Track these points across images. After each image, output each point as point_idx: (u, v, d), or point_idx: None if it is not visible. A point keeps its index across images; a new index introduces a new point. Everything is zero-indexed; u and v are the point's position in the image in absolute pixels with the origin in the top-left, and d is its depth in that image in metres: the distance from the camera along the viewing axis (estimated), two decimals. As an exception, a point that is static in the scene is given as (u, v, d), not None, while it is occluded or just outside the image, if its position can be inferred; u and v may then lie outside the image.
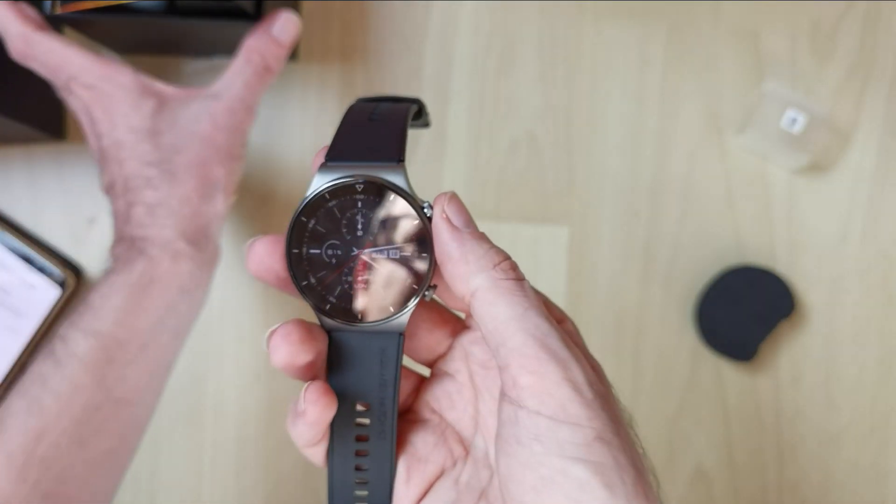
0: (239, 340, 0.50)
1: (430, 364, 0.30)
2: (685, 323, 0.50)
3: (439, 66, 0.49)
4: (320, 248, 0.26)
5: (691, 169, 0.50)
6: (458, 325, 0.29)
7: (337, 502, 0.27)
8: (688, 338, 0.50)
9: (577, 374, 0.23)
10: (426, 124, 0.33)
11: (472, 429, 0.28)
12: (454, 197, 0.26)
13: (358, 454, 0.27)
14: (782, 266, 0.50)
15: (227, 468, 0.50)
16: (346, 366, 0.26)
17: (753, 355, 0.49)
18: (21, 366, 0.48)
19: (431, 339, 0.29)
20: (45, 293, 0.48)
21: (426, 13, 0.50)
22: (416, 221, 0.25)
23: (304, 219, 0.25)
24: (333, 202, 0.25)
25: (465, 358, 0.28)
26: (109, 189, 0.39)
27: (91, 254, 0.50)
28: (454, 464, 0.28)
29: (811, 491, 0.50)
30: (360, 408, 0.27)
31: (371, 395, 0.26)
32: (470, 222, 0.26)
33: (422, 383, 0.30)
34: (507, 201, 0.50)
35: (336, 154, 0.26)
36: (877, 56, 0.50)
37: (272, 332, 0.25)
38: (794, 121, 0.47)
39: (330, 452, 0.27)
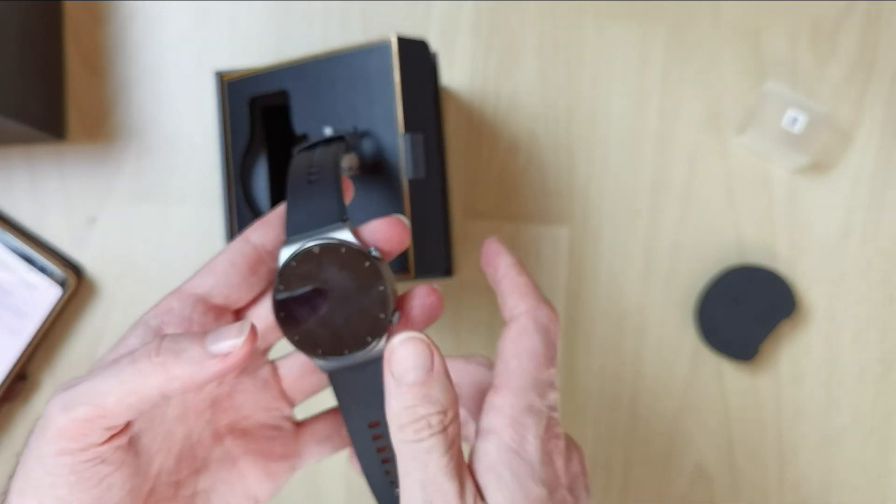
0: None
1: None
2: (685, 323, 0.50)
3: (440, 66, 0.49)
4: (300, 307, 0.30)
5: (692, 169, 0.50)
6: None
7: (374, 482, 0.33)
8: (688, 338, 0.50)
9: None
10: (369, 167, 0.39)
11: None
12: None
13: (384, 461, 0.32)
14: (783, 265, 0.50)
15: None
16: (350, 396, 0.31)
17: (754, 355, 0.49)
18: (21, 366, 0.48)
19: None
20: (45, 293, 0.48)
21: (426, 13, 0.50)
22: (368, 264, 0.30)
23: (281, 287, 0.30)
24: (301, 267, 0.30)
25: None
26: None
27: (92, 254, 0.50)
28: None
29: (812, 491, 0.50)
30: (371, 425, 0.31)
31: (377, 413, 0.30)
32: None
33: None
34: (507, 201, 0.50)
35: (293, 229, 0.31)
36: (878, 55, 0.50)
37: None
38: (794, 120, 0.47)
39: (362, 466, 0.32)
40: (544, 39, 0.50)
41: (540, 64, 0.50)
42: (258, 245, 0.32)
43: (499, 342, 0.31)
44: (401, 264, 0.39)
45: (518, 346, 0.31)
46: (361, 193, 0.40)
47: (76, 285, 0.49)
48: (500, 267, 0.33)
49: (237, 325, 0.27)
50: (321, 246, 0.29)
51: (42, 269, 0.48)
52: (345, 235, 0.30)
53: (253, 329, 0.27)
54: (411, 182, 0.39)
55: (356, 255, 0.30)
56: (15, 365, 0.47)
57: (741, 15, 0.50)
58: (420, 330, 0.30)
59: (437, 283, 0.50)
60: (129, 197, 0.50)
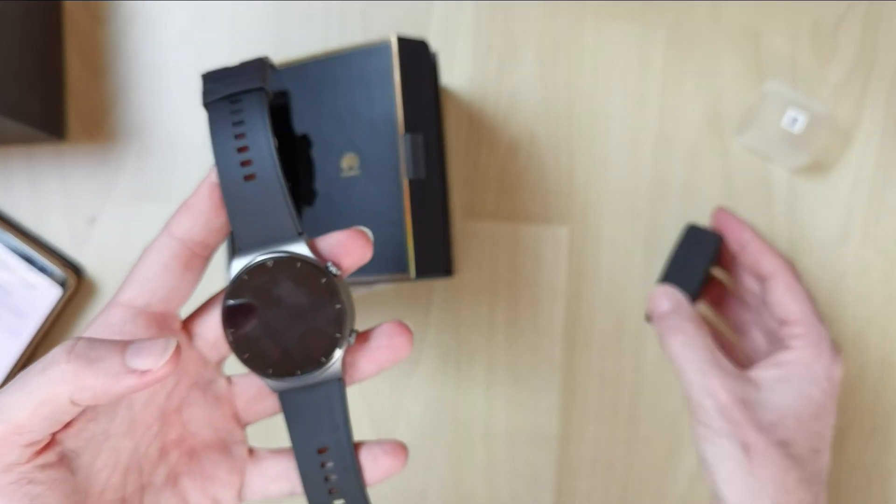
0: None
1: None
2: (685, 323, 0.50)
3: (440, 66, 0.49)
4: (251, 322, 0.29)
5: (692, 169, 0.50)
6: None
7: None
8: (688, 338, 0.50)
9: None
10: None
11: None
12: None
13: (331, 491, 0.31)
14: (783, 266, 0.50)
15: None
16: (300, 419, 0.30)
17: (754, 355, 0.49)
18: (21, 366, 0.48)
19: None
20: (45, 293, 0.48)
21: (426, 13, 0.50)
22: (325, 280, 0.28)
23: (231, 301, 0.29)
24: (253, 281, 0.29)
25: None
26: None
27: (92, 254, 0.50)
28: None
29: (812, 491, 0.50)
30: (321, 451, 0.31)
31: (326, 438, 0.30)
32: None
33: None
34: (507, 201, 0.50)
35: (244, 241, 0.29)
36: (878, 55, 0.50)
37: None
38: (794, 120, 0.47)
39: (306, 493, 0.31)
40: (544, 39, 0.50)
41: (540, 64, 0.50)
42: (186, 239, 0.29)
43: (772, 293, 0.43)
44: (401, 264, 0.39)
45: (794, 292, 0.43)
46: (362, 193, 0.40)
47: (76, 285, 0.49)
48: (745, 235, 0.46)
49: (162, 341, 0.26)
50: (275, 259, 0.28)
51: (42, 269, 0.48)
52: (301, 249, 0.29)
53: (178, 349, 0.26)
54: (411, 182, 0.39)
55: (312, 271, 0.28)
56: (15, 365, 0.47)
57: (741, 15, 0.50)
58: (382, 367, 0.30)
59: (437, 283, 0.50)
60: (129, 197, 0.50)
